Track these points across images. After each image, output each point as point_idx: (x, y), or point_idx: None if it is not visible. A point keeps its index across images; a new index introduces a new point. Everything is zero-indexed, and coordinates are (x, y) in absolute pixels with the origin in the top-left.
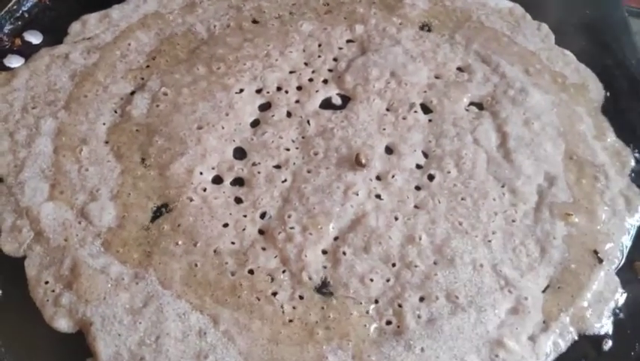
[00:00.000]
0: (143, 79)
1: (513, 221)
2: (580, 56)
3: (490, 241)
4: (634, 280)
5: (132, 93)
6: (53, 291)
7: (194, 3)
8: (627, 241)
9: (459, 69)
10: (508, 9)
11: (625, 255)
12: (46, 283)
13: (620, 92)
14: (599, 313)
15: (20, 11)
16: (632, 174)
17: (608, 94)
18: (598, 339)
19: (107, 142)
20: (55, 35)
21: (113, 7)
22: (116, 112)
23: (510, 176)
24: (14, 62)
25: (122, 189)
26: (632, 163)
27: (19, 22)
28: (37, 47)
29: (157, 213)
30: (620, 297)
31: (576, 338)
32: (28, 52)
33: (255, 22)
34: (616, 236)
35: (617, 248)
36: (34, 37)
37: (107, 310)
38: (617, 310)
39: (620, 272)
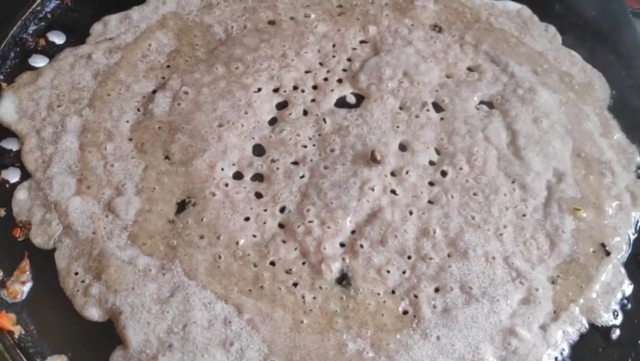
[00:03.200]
0: (164, 78)
1: (523, 215)
2: (586, 56)
3: (501, 235)
4: None
5: (154, 92)
6: (83, 282)
7: (212, 4)
8: (633, 235)
9: (469, 69)
10: (516, 11)
11: (631, 248)
12: (76, 274)
13: (626, 91)
14: (607, 303)
15: (44, 12)
16: (638, 170)
17: (614, 93)
18: (606, 328)
19: (130, 139)
20: (77, 36)
21: (133, 9)
22: (138, 110)
23: (520, 172)
24: (39, 61)
25: (146, 184)
26: (638, 159)
27: (43, 23)
28: (61, 47)
29: (181, 208)
30: (627, 288)
31: (586, 327)
32: (52, 52)
33: (270, 23)
34: (622, 230)
35: (624, 241)
36: (57, 38)
37: (135, 300)
38: (625, 301)
39: (627, 264)
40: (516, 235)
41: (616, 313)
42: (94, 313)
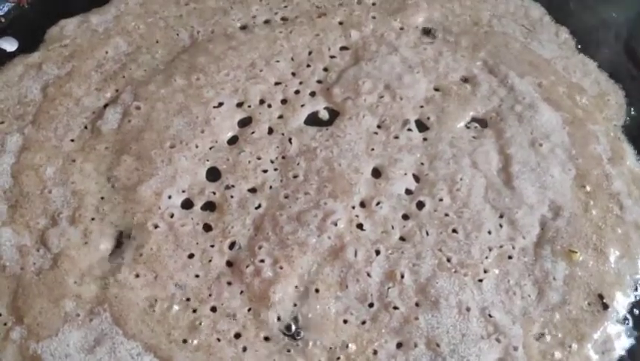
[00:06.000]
0: (117, 91)
1: (509, 258)
2: (602, 65)
3: (480, 281)
4: None
5: (105, 106)
6: (5, 324)
7: (179, 6)
8: (638, 284)
9: (462, 80)
10: (524, 10)
11: (636, 300)
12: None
13: None
14: None
15: None
16: None
17: (632, 110)
18: None
19: (73, 161)
20: (32, 42)
21: (93, 12)
22: (86, 128)
23: (510, 205)
24: None
25: (84, 213)
26: None
27: None
28: (12, 55)
29: (119, 241)
30: (627, 348)
31: None
32: (0, 60)
33: (242, 28)
34: (626, 278)
35: (626, 292)
36: (9, 45)
37: (58, 348)
38: None
39: (630, 321)
40: (498, 281)
41: None
42: None
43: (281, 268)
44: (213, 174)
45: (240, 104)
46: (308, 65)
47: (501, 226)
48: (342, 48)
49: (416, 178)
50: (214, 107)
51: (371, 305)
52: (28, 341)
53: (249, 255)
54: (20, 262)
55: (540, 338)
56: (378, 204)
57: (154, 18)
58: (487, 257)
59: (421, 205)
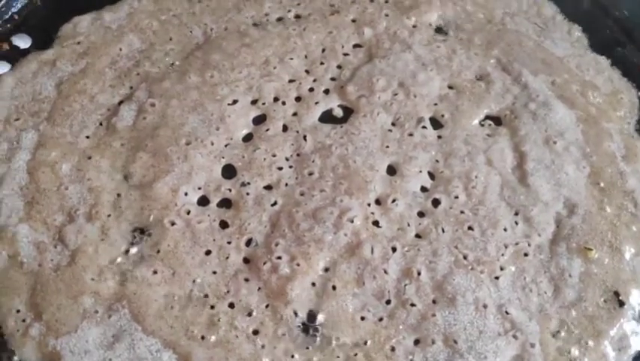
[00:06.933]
0: (132, 88)
1: (525, 255)
2: (615, 63)
3: (497, 278)
4: None
5: (120, 103)
6: (24, 321)
7: (192, 3)
8: None
9: (476, 78)
10: (536, 8)
11: None
12: (18, 311)
13: None
14: None
15: (9, 13)
16: None
17: None
18: None
19: (89, 157)
20: (45, 39)
21: (106, 9)
22: (101, 124)
23: (525, 202)
24: (0, 68)
25: (100, 209)
26: None
27: (8, 25)
28: (26, 52)
29: (136, 238)
30: None
31: None
32: (15, 57)
33: (255, 25)
34: None
35: None
36: (22, 42)
37: (77, 344)
38: None
39: None
40: (514, 278)
41: None
42: (32, 357)
43: (298, 264)
44: (229, 171)
45: (254, 102)
46: (322, 63)
47: (516, 223)
48: (356, 46)
49: (431, 176)
50: (228, 104)
51: (388, 302)
52: (47, 338)
53: (265, 252)
54: (38, 259)
55: (557, 335)
56: (393, 201)
57: (167, 15)
58: (503, 254)
59: (436, 203)
